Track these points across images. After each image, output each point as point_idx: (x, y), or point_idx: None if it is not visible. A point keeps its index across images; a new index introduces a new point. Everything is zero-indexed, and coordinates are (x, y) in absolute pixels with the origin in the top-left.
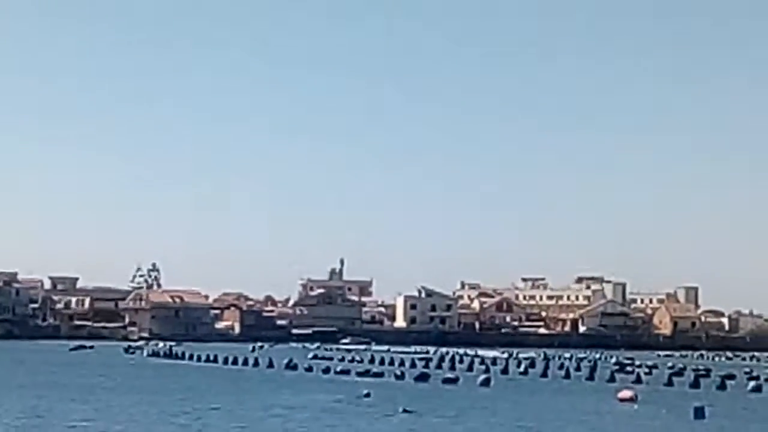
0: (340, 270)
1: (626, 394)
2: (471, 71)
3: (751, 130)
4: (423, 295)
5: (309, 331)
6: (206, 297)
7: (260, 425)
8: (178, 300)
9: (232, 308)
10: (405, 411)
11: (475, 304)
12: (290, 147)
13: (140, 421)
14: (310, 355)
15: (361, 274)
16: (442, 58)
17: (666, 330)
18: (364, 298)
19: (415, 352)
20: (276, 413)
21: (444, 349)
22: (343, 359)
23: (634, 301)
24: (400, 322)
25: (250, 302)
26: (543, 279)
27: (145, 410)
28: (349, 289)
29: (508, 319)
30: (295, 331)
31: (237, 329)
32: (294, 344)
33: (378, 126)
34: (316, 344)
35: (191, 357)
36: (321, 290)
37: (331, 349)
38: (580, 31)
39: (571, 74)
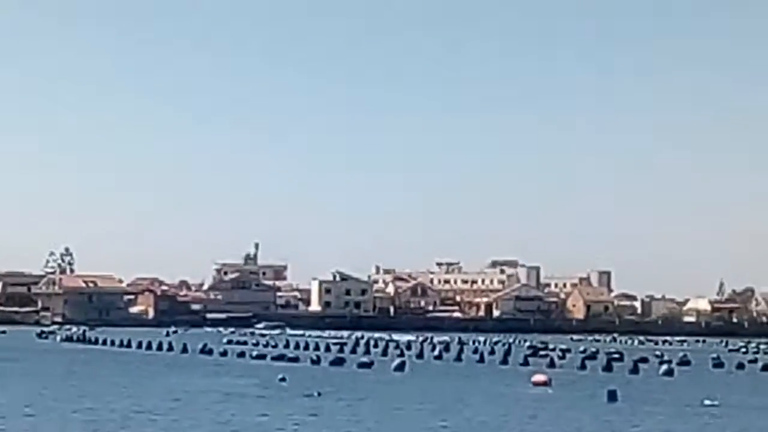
0: (255, 254)
1: (540, 378)
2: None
3: (658, 112)
4: (338, 279)
5: (223, 315)
6: (120, 281)
7: (157, 408)
8: (91, 284)
9: (146, 293)
10: (319, 394)
11: (390, 289)
12: (203, 131)
13: (43, 404)
14: (225, 340)
15: (276, 259)
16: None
17: (579, 314)
18: (278, 283)
19: (330, 337)
20: (177, 397)
21: (359, 334)
22: (257, 344)
23: (548, 285)
24: (315, 307)
25: (165, 287)
26: (457, 263)
27: (49, 394)
28: (264, 274)
29: (422, 303)
30: (209, 315)
31: (151, 314)
32: (208, 329)
33: (288, 110)
34: (231, 329)
35: (105, 342)
36: (235, 275)
37: (245, 334)
38: None
39: (460, 56)
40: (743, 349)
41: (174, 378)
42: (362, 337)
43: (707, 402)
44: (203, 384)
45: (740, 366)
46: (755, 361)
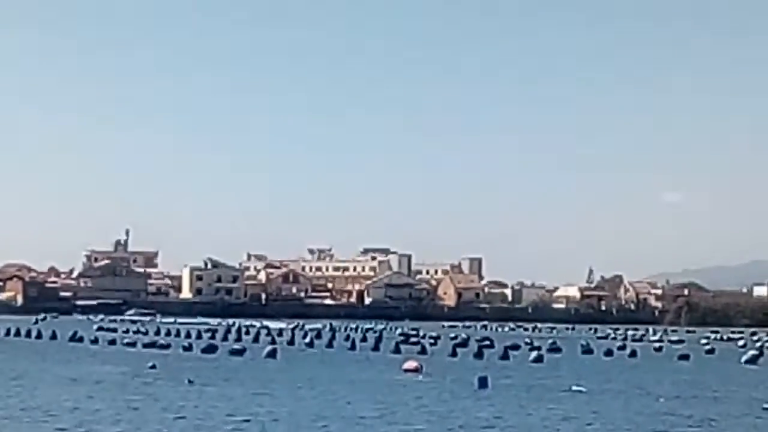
0: (126, 241)
1: (411, 364)
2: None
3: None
4: (209, 266)
5: (94, 302)
6: None
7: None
8: None
9: (15, 279)
10: (190, 382)
11: (262, 276)
12: (71, 119)
13: None
14: (95, 327)
15: (147, 246)
16: None
17: (450, 301)
18: (149, 270)
19: (202, 324)
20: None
21: (230, 321)
22: (128, 331)
23: (420, 272)
24: (186, 294)
25: (33, 273)
26: (329, 250)
27: None
28: (135, 261)
29: (294, 290)
30: (79, 302)
31: (20, 301)
32: (79, 316)
33: (158, 95)
34: (101, 316)
35: None
36: (106, 261)
37: (116, 321)
38: None
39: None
40: (612, 336)
41: (42, 365)
42: (234, 324)
43: (575, 388)
44: (71, 371)
45: (609, 353)
46: (623, 347)
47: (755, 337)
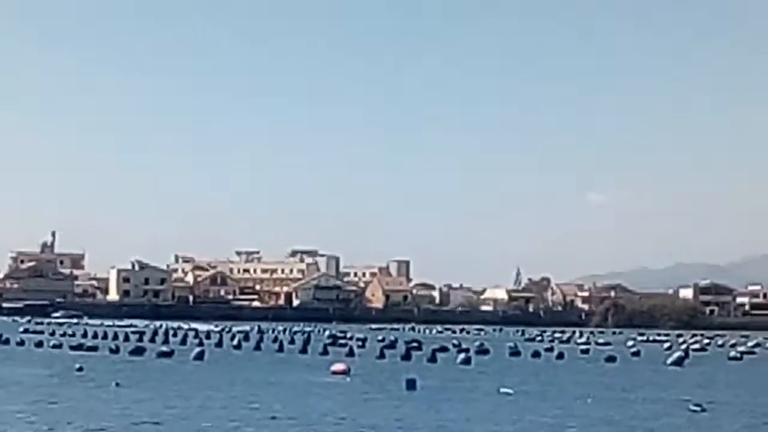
0: (52, 243)
1: (339, 367)
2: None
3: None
4: (137, 268)
5: (20, 304)
6: None
7: None
8: None
9: None
10: (118, 384)
11: (189, 278)
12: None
13: None
14: (21, 329)
15: (74, 247)
16: None
17: (378, 303)
18: (76, 272)
19: (129, 326)
20: None
21: (158, 323)
22: (54, 333)
23: (347, 274)
24: (113, 296)
25: None
26: (257, 252)
27: None
28: (61, 263)
29: (222, 292)
30: (5, 304)
31: None
32: (4, 318)
33: (91, 97)
34: (27, 318)
35: None
36: (32, 263)
37: (42, 323)
38: None
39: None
40: (539, 338)
41: None
42: (161, 327)
43: (503, 389)
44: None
45: (536, 354)
46: (551, 349)
47: (681, 339)
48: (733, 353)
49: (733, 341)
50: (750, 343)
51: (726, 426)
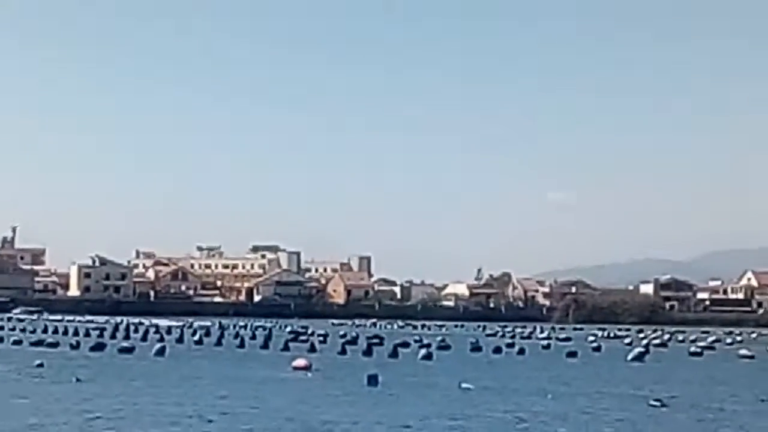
0: (12, 238)
1: (300, 362)
2: None
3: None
4: (97, 263)
5: None
6: None
7: None
8: None
9: None
10: (78, 380)
11: (150, 273)
12: None
13: None
14: None
15: (34, 243)
16: None
17: (340, 299)
18: (36, 267)
19: (90, 322)
20: None
21: (119, 318)
22: (14, 329)
23: (309, 270)
24: (74, 291)
25: None
26: (218, 248)
27: None
28: (22, 258)
29: (183, 287)
30: None
31: None
32: None
33: (53, 94)
34: None
35: None
36: None
37: (2, 319)
38: None
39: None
40: (500, 334)
41: None
42: (122, 322)
43: (464, 385)
44: None
45: (497, 350)
46: (512, 345)
47: (641, 335)
48: (693, 349)
49: (693, 337)
50: (710, 339)
51: (685, 421)
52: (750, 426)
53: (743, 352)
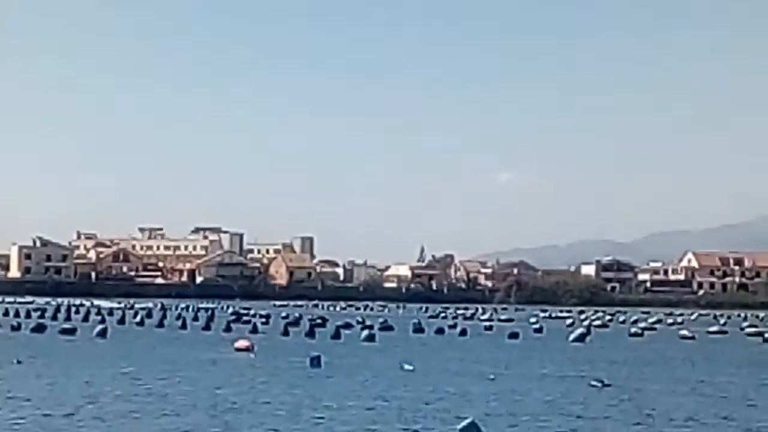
0: None
1: (243, 343)
2: None
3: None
4: (38, 245)
5: None
6: None
7: None
8: None
9: None
10: (19, 362)
11: (92, 255)
12: None
13: None
14: None
15: None
16: None
17: (282, 280)
18: None
19: (30, 303)
20: None
21: (60, 300)
22: None
23: (251, 251)
24: (14, 273)
25: None
26: (160, 229)
27: None
28: None
29: (125, 269)
30: None
31: None
32: None
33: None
34: None
35: None
36: None
37: None
38: None
39: None
40: (443, 315)
41: None
42: (63, 304)
43: (406, 366)
44: None
45: (440, 331)
46: (454, 326)
47: (583, 316)
48: (634, 329)
49: (634, 318)
50: (650, 320)
51: (624, 401)
52: (687, 406)
53: (683, 332)
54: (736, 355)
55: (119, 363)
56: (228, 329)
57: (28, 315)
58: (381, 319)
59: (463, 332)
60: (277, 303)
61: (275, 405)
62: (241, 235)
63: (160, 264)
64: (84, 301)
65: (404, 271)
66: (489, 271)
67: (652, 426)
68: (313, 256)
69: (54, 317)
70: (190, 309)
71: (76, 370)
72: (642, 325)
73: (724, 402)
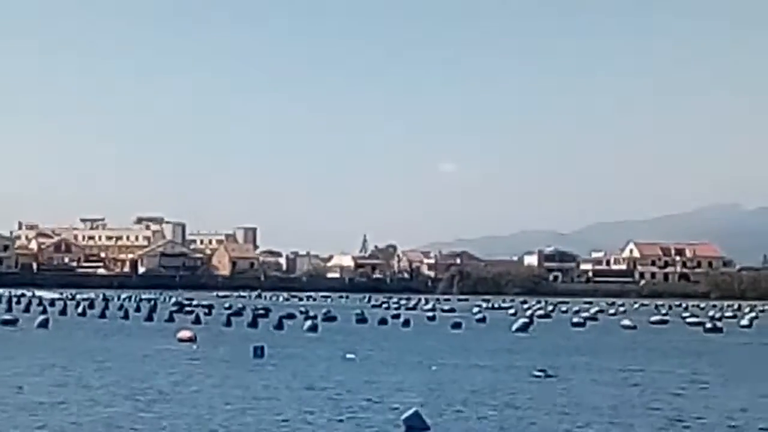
0: None
1: (185, 334)
2: None
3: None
4: None
5: None
6: None
7: None
8: None
9: None
10: None
11: (33, 245)
12: None
13: None
14: None
15: None
16: None
17: (225, 270)
18: None
19: None
20: None
21: (1, 290)
22: None
23: (194, 241)
24: None
25: None
26: (102, 219)
27: None
28: None
29: (66, 259)
30: None
31: None
32: None
33: None
34: None
35: None
36: None
37: None
38: None
39: None
40: (385, 305)
41: None
42: (4, 294)
43: (349, 356)
44: None
45: (383, 321)
46: (397, 316)
47: (525, 306)
48: (576, 319)
49: (576, 308)
50: (593, 310)
51: (568, 391)
52: (618, 395)
53: (625, 322)
54: (676, 345)
55: (56, 354)
56: (170, 320)
57: None
58: (324, 310)
59: (406, 322)
60: (220, 293)
61: (209, 394)
62: (183, 225)
63: (102, 254)
64: (25, 292)
65: (347, 261)
66: (432, 261)
67: (577, 415)
68: (256, 247)
69: None
70: (133, 299)
71: (10, 362)
72: (584, 315)
73: (656, 392)
